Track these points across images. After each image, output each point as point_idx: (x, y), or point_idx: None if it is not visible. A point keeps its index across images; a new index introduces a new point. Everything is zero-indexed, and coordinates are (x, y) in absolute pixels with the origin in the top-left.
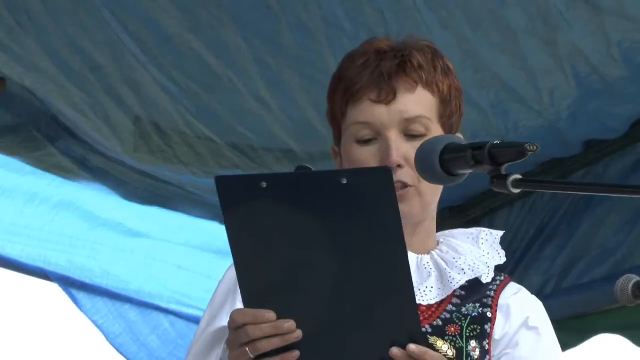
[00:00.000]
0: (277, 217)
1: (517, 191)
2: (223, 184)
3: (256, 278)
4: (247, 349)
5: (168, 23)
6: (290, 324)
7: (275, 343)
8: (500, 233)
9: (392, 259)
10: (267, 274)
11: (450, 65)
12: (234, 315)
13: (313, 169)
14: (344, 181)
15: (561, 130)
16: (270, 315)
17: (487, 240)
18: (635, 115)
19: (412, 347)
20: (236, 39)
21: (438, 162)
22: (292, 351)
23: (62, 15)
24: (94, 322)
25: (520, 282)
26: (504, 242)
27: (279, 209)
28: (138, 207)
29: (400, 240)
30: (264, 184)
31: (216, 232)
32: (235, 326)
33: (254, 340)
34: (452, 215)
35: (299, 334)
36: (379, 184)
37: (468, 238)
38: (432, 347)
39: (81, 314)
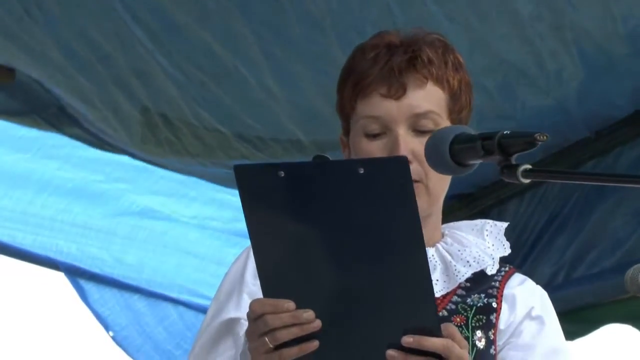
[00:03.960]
0: (294, 206)
1: (527, 181)
2: (241, 172)
3: (275, 267)
4: (266, 339)
5: (177, 13)
6: (309, 313)
7: (295, 332)
8: (505, 224)
9: (409, 248)
10: (285, 264)
11: (461, 59)
12: (252, 305)
13: (330, 158)
14: (361, 170)
15: (569, 109)
16: (290, 304)
17: (491, 232)
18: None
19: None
20: (244, 30)
21: (448, 152)
22: (311, 341)
23: (71, 5)
24: (100, 314)
25: (530, 273)
26: (513, 232)
27: (296, 198)
28: (149, 191)
29: (418, 229)
30: (282, 173)
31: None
32: (255, 316)
33: (273, 330)
34: (462, 205)
35: (318, 323)
36: (396, 174)
37: (472, 230)
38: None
39: (89, 313)
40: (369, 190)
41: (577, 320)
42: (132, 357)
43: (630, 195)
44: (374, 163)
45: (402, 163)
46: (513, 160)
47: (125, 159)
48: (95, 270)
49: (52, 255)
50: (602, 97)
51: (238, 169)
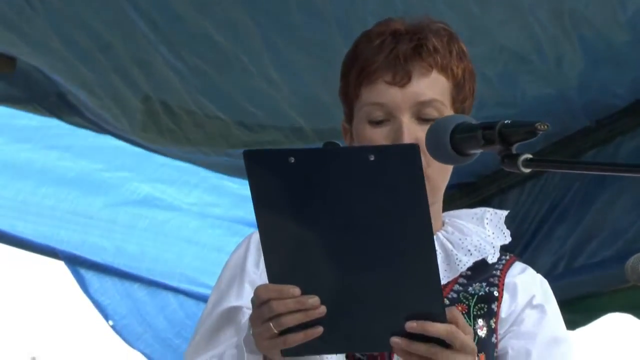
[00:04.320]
0: (304, 192)
1: (527, 171)
2: (251, 158)
3: (281, 253)
4: (271, 324)
5: (177, 2)
6: (314, 299)
7: (299, 318)
8: (505, 213)
9: (417, 235)
10: (292, 250)
11: (465, 49)
12: (258, 290)
13: (341, 145)
14: (372, 157)
15: (569, 98)
16: (295, 290)
17: (491, 220)
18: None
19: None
20: (245, 18)
21: (449, 141)
22: (316, 327)
23: None
24: (99, 303)
25: (531, 262)
26: (514, 222)
27: (306, 184)
28: (150, 179)
29: (427, 217)
30: (292, 159)
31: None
32: (260, 302)
33: (278, 315)
34: (463, 194)
35: (323, 309)
36: (407, 161)
37: (473, 218)
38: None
39: (88, 302)
40: (379, 177)
41: (577, 309)
42: (132, 346)
43: (630, 185)
44: (385, 150)
45: (413, 150)
46: (514, 149)
47: (126, 146)
48: (96, 259)
49: (52, 244)
50: (602, 85)
51: (248, 154)
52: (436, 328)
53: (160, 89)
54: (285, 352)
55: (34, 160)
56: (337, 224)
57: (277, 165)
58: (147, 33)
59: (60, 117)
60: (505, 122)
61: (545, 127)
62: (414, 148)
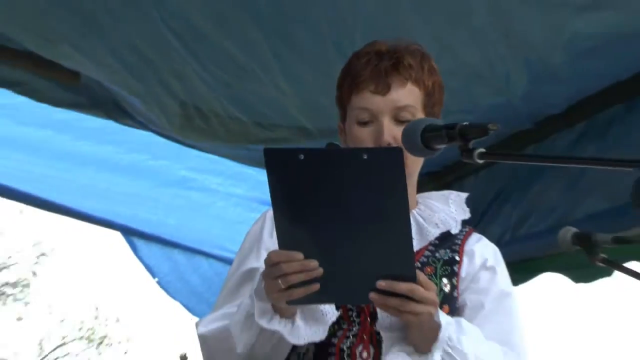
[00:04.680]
0: (310, 182)
1: (481, 161)
2: (269, 154)
3: (290, 228)
4: (279, 281)
5: (205, 25)
6: (314, 263)
7: (301, 277)
8: (466, 194)
9: (397, 214)
10: (298, 225)
11: (435, 66)
12: (271, 254)
13: (340, 146)
14: (365, 157)
15: (515, 106)
16: (299, 255)
17: (455, 200)
18: (572, 94)
19: (396, 283)
20: (259, 37)
21: (419, 138)
22: (314, 284)
23: (122, 21)
24: (147, 264)
25: (484, 233)
26: (471, 202)
27: (312, 176)
28: (186, 167)
29: (405, 200)
30: (302, 156)
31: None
32: (271, 263)
33: (285, 275)
34: (431, 180)
35: (320, 271)
36: (392, 160)
37: (440, 199)
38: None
39: (138, 265)
40: (370, 172)
41: (520, 269)
42: (173, 298)
43: (562, 172)
44: (375, 151)
45: (398, 153)
46: (470, 145)
47: (167, 142)
48: (144, 229)
49: (110, 218)
50: (542, 97)
51: (267, 152)
52: (400, 286)
53: (193, 96)
54: (289, 302)
55: (95, 152)
56: (334, 206)
57: (289, 160)
58: (180, 50)
59: (115, 119)
60: (464, 123)
61: (495, 127)
62: (399, 151)
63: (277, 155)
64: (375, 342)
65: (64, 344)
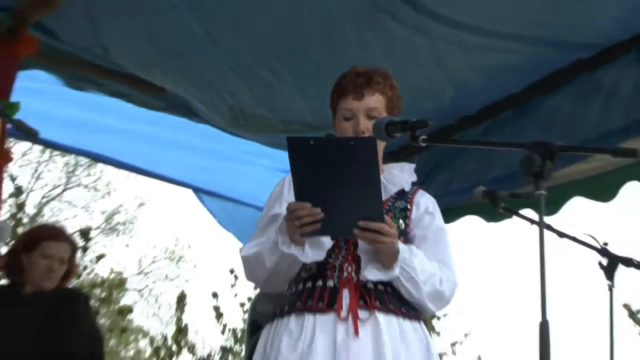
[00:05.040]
0: (316, 159)
1: (424, 145)
2: (290, 141)
3: (303, 189)
4: (295, 221)
5: (248, 61)
6: (317, 210)
7: (309, 219)
8: (414, 165)
9: (372, 179)
10: (308, 186)
11: (395, 83)
12: (290, 204)
13: (335, 135)
14: (352, 143)
15: (444, 110)
16: (308, 205)
17: (407, 169)
18: (480, 103)
19: (371, 223)
20: (283, 68)
21: (384, 129)
22: (317, 223)
23: (193, 56)
24: (210, 210)
25: (425, 190)
26: (417, 170)
27: (318, 155)
28: (235, 150)
29: (377, 170)
30: (311, 142)
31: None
32: (290, 210)
33: (299, 217)
34: (391, 156)
35: (321, 215)
36: (369, 145)
37: (398, 168)
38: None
39: (204, 211)
40: (355, 152)
41: (449, 214)
42: (227, 230)
43: (475, 152)
44: (358, 139)
45: (372, 139)
46: (417, 134)
47: (220, 132)
48: (208, 188)
49: (185, 180)
50: (461, 104)
51: (289, 139)
52: (373, 225)
53: (239, 104)
54: (301, 235)
55: (174, 138)
56: (332, 174)
57: (303, 145)
58: (233, 77)
59: (188, 117)
60: (413, 120)
61: (431, 122)
62: (373, 139)
63: (295, 142)
64: (357, 261)
65: (154, 261)
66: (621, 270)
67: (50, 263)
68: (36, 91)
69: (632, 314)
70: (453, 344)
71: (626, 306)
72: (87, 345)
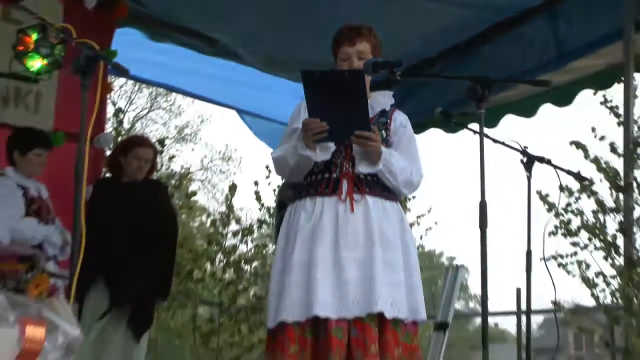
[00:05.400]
0: (323, 87)
1: (399, 78)
2: (303, 73)
3: (314, 108)
4: (309, 132)
5: (275, 17)
6: (324, 123)
7: (318, 129)
8: (392, 92)
9: (362, 102)
10: (317, 107)
11: (377, 35)
12: (305, 120)
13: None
14: (347, 75)
15: (410, 55)
16: (318, 120)
17: (387, 95)
18: (436, 50)
19: (363, 132)
20: (297, 23)
21: (370, 67)
22: (324, 133)
23: (242, 14)
24: (248, 124)
25: (400, 109)
26: (394, 97)
27: (324, 84)
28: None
29: (365, 95)
30: (318, 74)
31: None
32: (305, 124)
33: (312, 128)
34: (377, 87)
35: (327, 127)
36: (358, 76)
37: (380, 94)
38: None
39: (245, 126)
40: (349, 81)
41: (417, 127)
42: (260, 139)
43: (435, 83)
44: (351, 71)
45: (360, 71)
46: (394, 70)
47: (254, 70)
48: (248, 109)
49: (230, 103)
50: (421, 51)
51: (303, 72)
52: (364, 133)
53: (272, 51)
54: (313, 141)
55: (224, 75)
56: (333, 98)
57: (312, 76)
58: (264, 30)
59: (235, 60)
60: (391, 60)
61: (402, 62)
62: (361, 70)
63: (307, 74)
64: (352, 160)
65: (211, 160)
66: (536, 166)
67: (140, 162)
68: (128, 42)
69: (542, 197)
70: (419, 217)
71: (538, 192)
72: (165, 217)
